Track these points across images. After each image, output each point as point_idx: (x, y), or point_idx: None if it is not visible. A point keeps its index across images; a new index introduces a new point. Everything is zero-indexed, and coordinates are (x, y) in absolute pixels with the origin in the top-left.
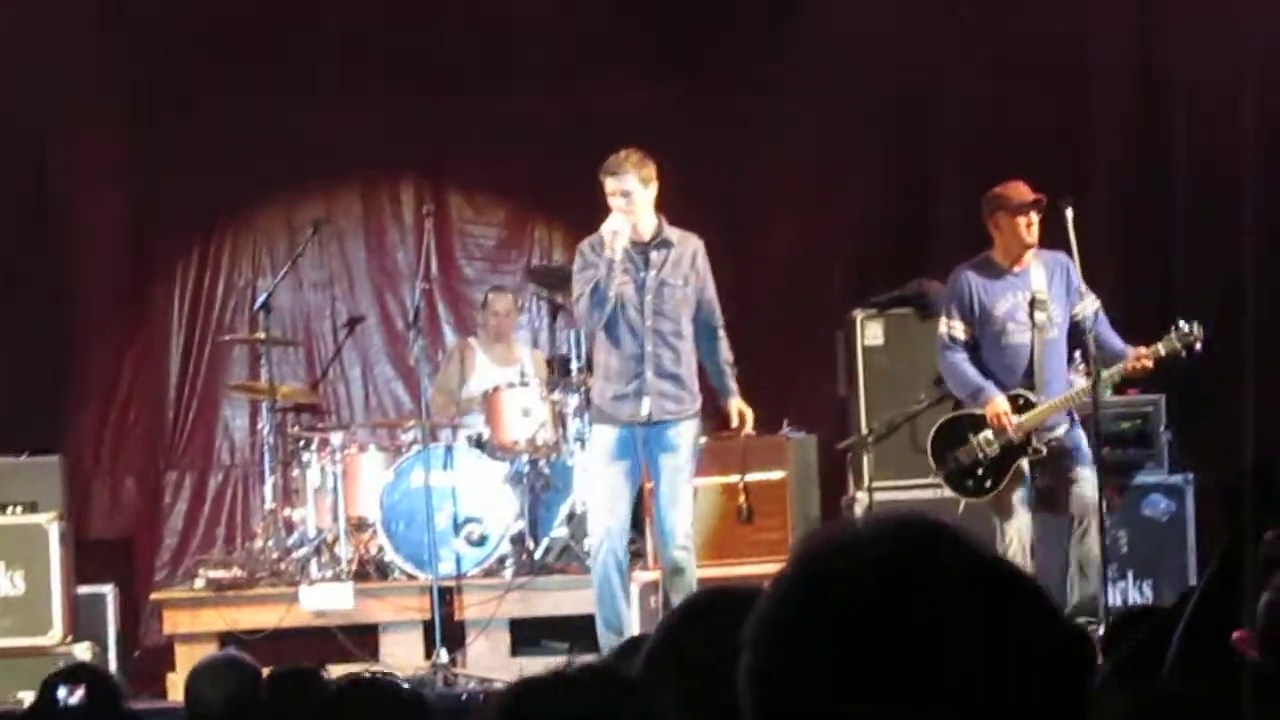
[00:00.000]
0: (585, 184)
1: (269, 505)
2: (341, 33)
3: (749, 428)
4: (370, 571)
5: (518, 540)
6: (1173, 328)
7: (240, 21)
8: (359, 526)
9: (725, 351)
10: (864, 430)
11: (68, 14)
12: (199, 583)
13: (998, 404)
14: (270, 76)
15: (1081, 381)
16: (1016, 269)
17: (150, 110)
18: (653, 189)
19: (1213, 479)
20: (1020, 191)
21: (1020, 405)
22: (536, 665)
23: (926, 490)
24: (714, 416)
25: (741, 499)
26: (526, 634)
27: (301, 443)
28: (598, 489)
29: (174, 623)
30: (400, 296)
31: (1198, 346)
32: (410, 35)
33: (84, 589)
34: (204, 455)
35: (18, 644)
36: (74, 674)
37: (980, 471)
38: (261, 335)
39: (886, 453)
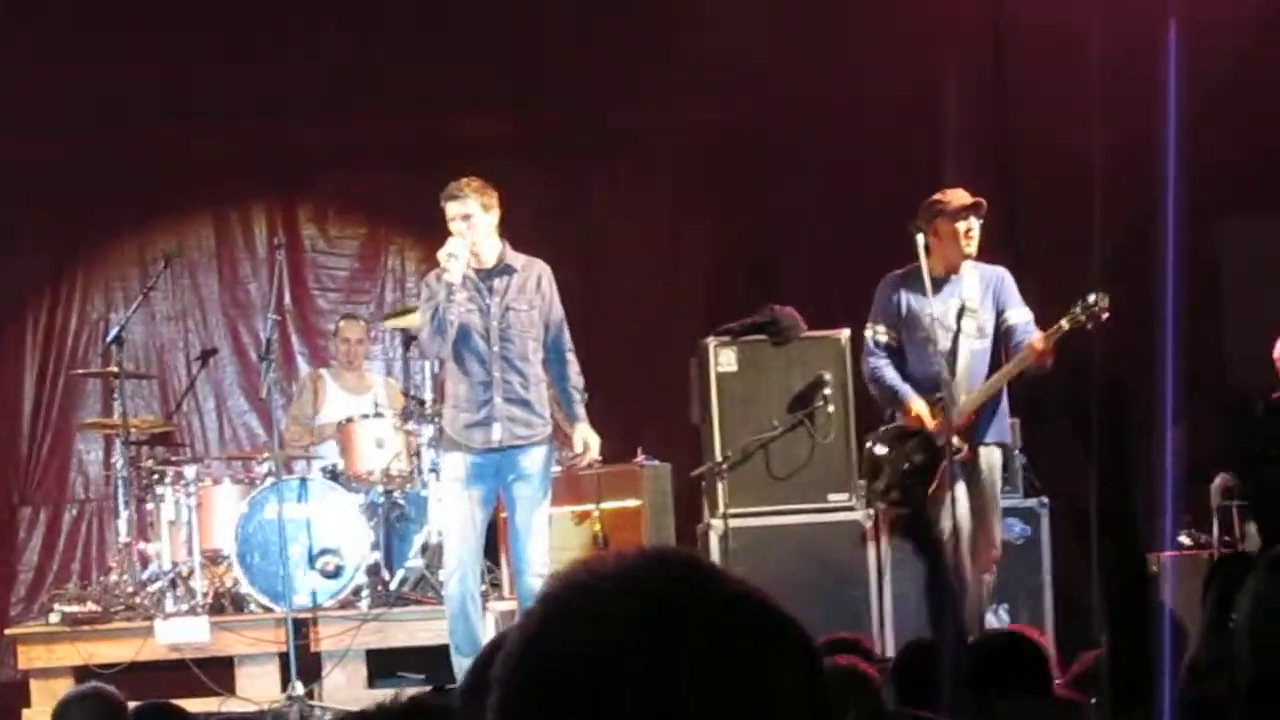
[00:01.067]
0: (438, 213)
1: (124, 539)
2: (191, 60)
3: (593, 456)
4: (226, 604)
5: (373, 571)
6: (1078, 300)
7: (88, 49)
8: (214, 559)
9: (574, 377)
10: (718, 457)
11: None
12: (54, 617)
13: (916, 405)
14: (121, 105)
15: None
16: (949, 275)
17: (7, 133)
18: (494, 215)
19: (1066, 503)
20: (959, 196)
21: (940, 408)
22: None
23: (782, 517)
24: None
25: (596, 527)
26: (383, 665)
27: (156, 476)
28: (451, 518)
29: (29, 658)
30: (253, 328)
31: (1103, 317)
32: (259, 62)
33: None
34: (58, 489)
35: None
36: None
37: (910, 481)
38: (114, 369)
39: (741, 479)
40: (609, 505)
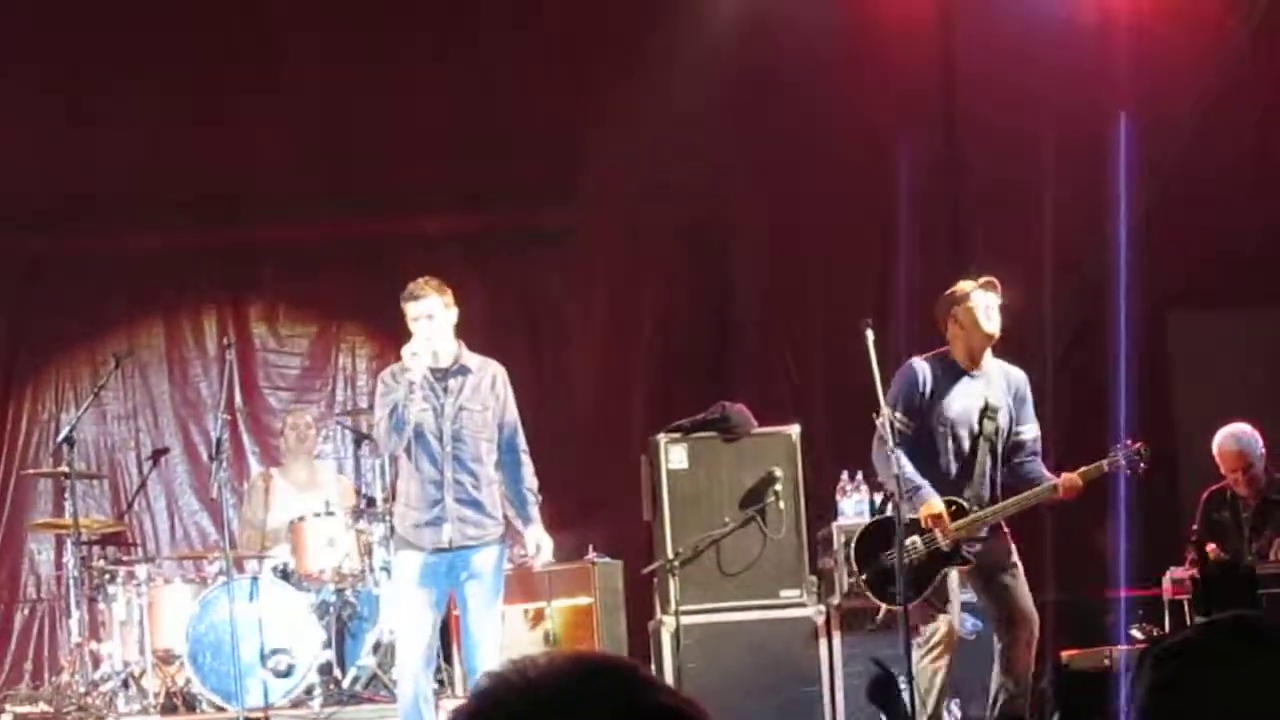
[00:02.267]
0: (388, 311)
1: (75, 639)
2: (140, 162)
3: (546, 558)
4: (178, 704)
5: (325, 670)
6: (1121, 447)
7: (40, 149)
8: (166, 659)
9: (529, 478)
10: (670, 554)
11: None
12: (6, 718)
13: (934, 505)
14: (71, 204)
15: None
16: (975, 371)
17: None
18: (453, 313)
19: None
20: (974, 284)
21: (954, 513)
22: None
23: (734, 613)
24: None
25: (548, 625)
26: None
27: (107, 576)
28: (403, 618)
29: None
30: (205, 427)
31: (1141, 468)
32: (207, 165)
33: None
34: (9, 589)
35: None
36: None
37: (907, 577)
38: (65, 469)
39: (693, 576)
40: (560, 603)
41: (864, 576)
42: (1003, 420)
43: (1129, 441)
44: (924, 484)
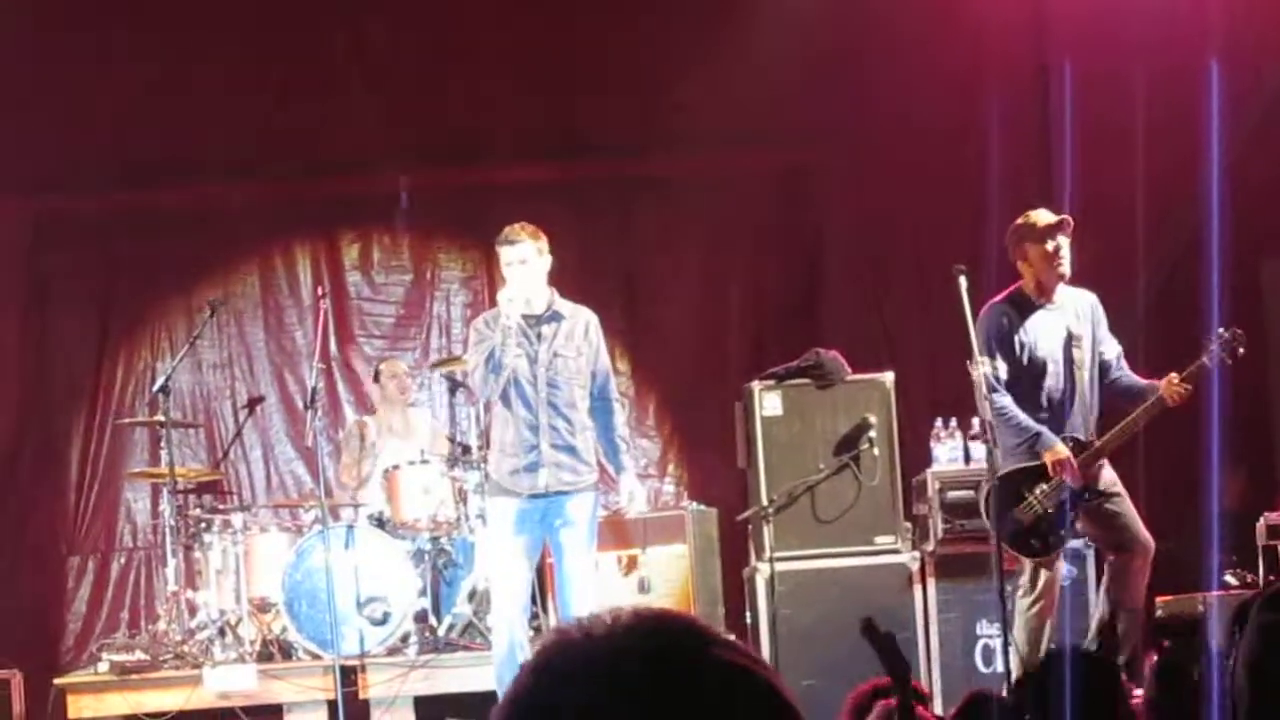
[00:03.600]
0: (481, 259)
1: (171, 588)
2: (234, 113)
3: (639, 506)
4: (273, 652)
5: (421, 618)
6: (1213, 336)
7: (134, 103)
8: (261, 607)
9: (619, 426)
10: (764, 501)
11: None
12: (103, 666)
13: (1059, 450)
14: (164, 158)
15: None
16: (1048, 304)
17: (49, 189)
18: (547, 260)
19: None
20: (1043, 216)
21: (1072, 449)
22: None
23: (828, 560)
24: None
25: (642, 572)
26: (431, 711)
27: (203, 524)
28: (497, 565)
29: (78, 707)
30: (299, 376)
31: (1240, 351)
32: (302, 114)
33: None
34: (106, 539)
35: None
36: None
37: (1043, 528)
38: (161, 418)
39: (787, 523)
40: (655, 550)
41: (1004, 536)
42: (1087, 346)
43: (1221, 331)
44: (1042, 429)
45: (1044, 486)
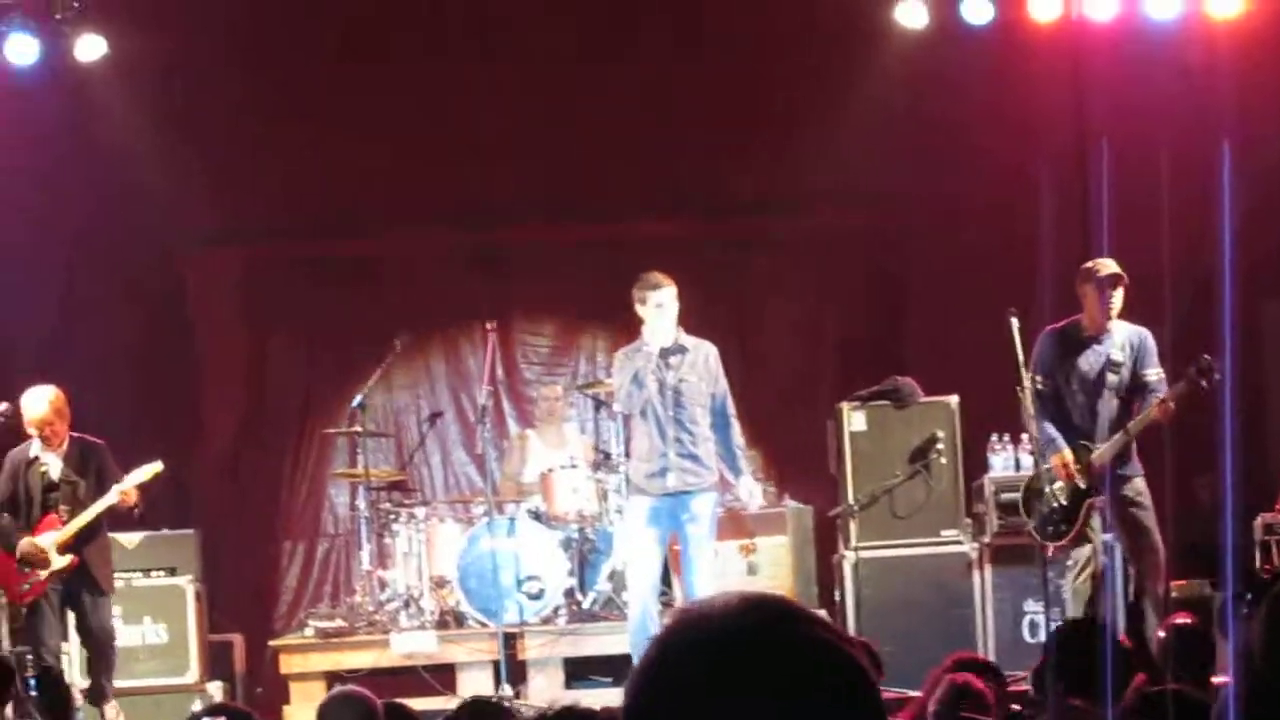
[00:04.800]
0: (620, 301)
1: (366, 567)
2: (417, 172)
3: (758, 503)
4: (449, 620)
5: (569, 594)
6: (1191, 365)
7: (335, 163)
8: (439, 584)
9: (737, 437)
10: (851, 501)
11: (185, 166)
12: (309, 631)
13: (1062, 455)
14: (360, 211)
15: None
16: (1099, 336)
17: (267, 237)
18: (677, 303)
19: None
20: (1105, 266)
21: (1082, 454)
22: (587, 696)
23: (903, 549)
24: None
25: (751, 558)
26: (578, 671)
27: (392, 516)
28: (634, 551)
29: (289, 665)
30: (472, 395)
31: (1215, 376)
32: (473, 175)
33: (215, 637)
34: (313, 527)
35: (162, 683)
36: (217, 710)
37: (1057, 518)
38: (359, 429)
39: (869, 519)
40: (761, 540)
41: (1033, 524)
42: (1125, 373)
43: (1198, 361)
44: (1056, 436)
45: (1060, 484)
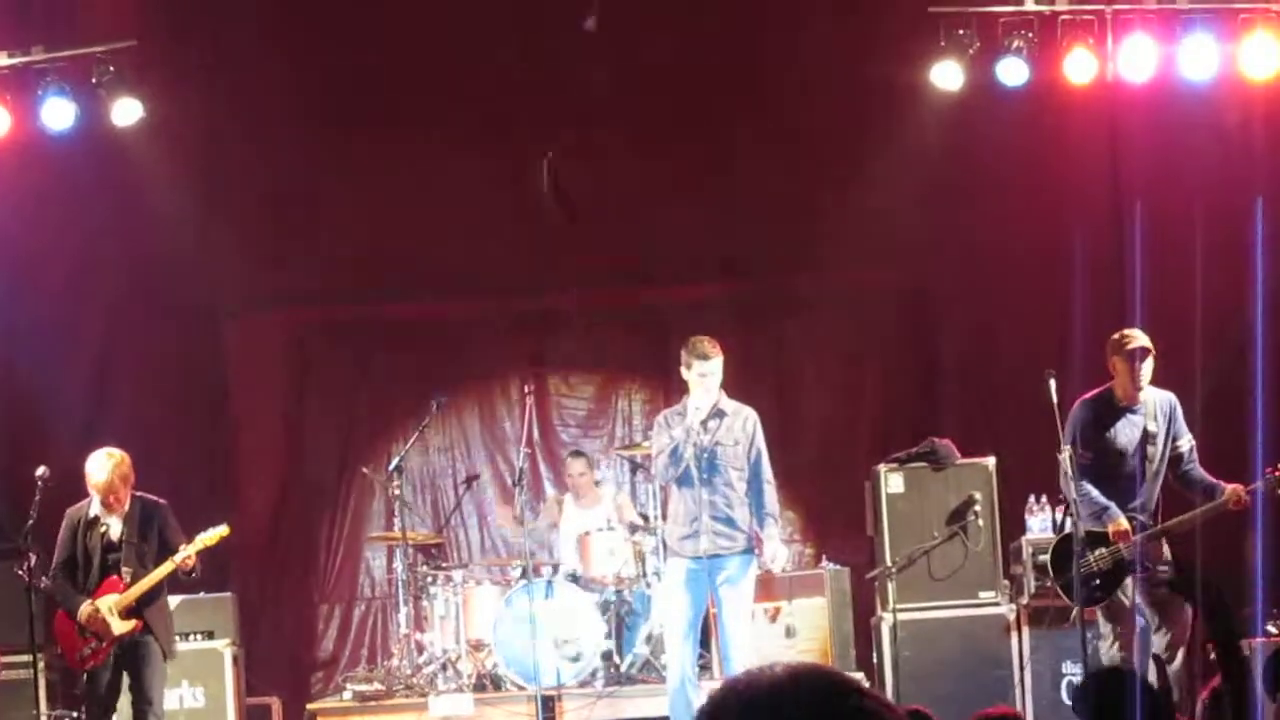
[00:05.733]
0: (656, 364)
1: (403, 630)
2: (451, 241)
3: (780, 566)
4: (486, 683)
5: (607, 656)
6: (1266, 474)
7: (375, 235)
8: (477, 646)
9: (769, 504)
10: (889, 562)
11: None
12: (347, 694)
13: (1122, 523)
14: (398, 279)
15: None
16: (1132, 405)
17: (305, 303)
18: (721, 374)
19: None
20: (1135, 339)
21: (1135, 527)
22: None
23: (941, 611)
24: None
25: (789, 620)
26: None
27: (429, 579)
28: (671, 614)
29: None
30: (509, 458)
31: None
32: (508, 241)
33: (253, 701)
34: (349, 590)
35: None
36: None
37: (1095, 581)
38: (395, 492)
39: (907, 581)
40: (799, 602)
41: (1060, 583)
42: (1160, 443)
43: (1268, 470)
44: (1110, 505)
45: (1103, 550)
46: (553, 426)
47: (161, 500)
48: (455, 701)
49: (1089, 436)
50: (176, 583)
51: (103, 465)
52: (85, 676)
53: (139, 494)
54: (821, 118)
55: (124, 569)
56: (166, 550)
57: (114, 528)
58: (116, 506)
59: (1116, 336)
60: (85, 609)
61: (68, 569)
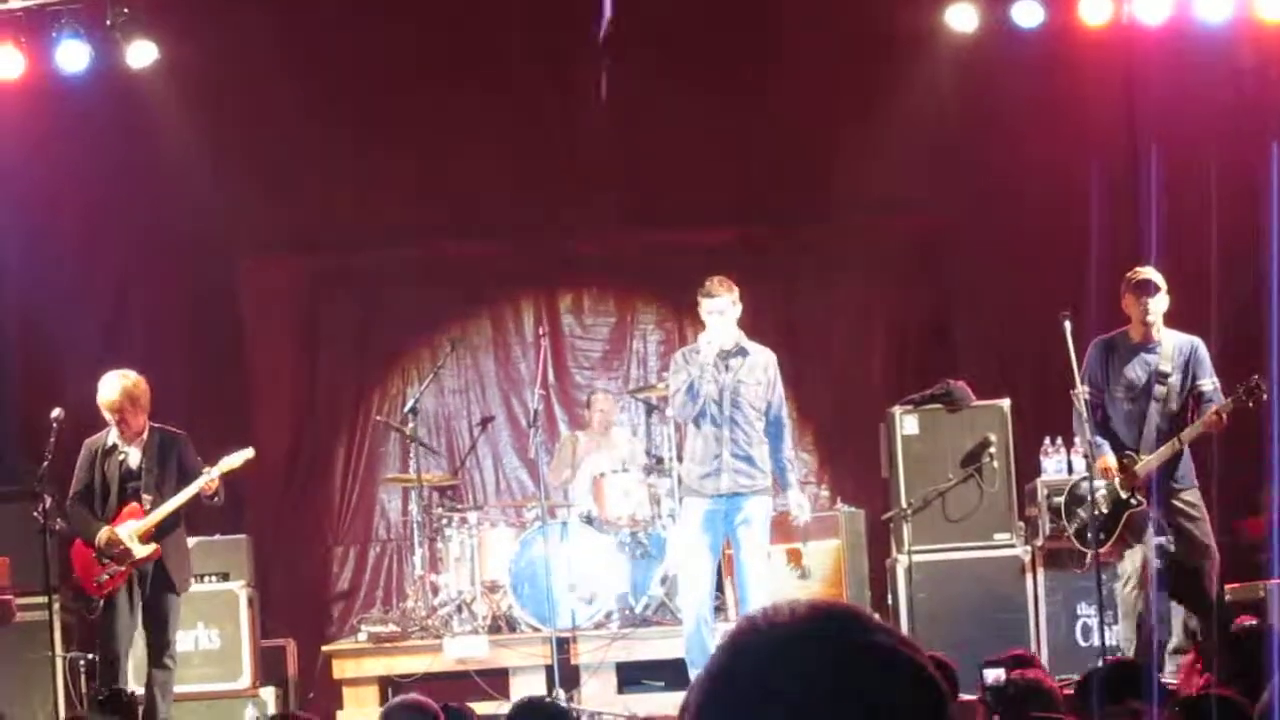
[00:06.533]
0: (671, 306)
1: (418, 572)
2: (470, 184)
3: (805, 518)
4: (501, 625)
5: (621, 598)
6: (1241, 383)
7: (390, 176)
8: (492, 588)
9: (788, 449)
10: (904, 504)
11: (238, 173)
12: (361, 636)
13: (1106, 459)
14: (414, 221)
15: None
16: (1148, 344)
17: (319, 246)
18: (738, 308)
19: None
20: (1139, 274)
21: (1127, 463)
22: (639, 701)
23: (955, 553)
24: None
25: (804, 562)
26: (630, 675)
27: (444, 520)
28: (687, 555)
29: (341, 670)
30: (523, 399)
31: (1264, 397)
32: (524, 186)
33: (268, 643)
34: (364, 532)
35: (215, 689)
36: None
37: (1098, 525)
38: (410, 429)
39: (922, 522)
40: (814, 544)
41: (1073, 529)
42: (1175, 382)
43: (1249, 380)
44: (1103, 443)
45: (1102, 492)
46: (568, 368)
47: (180, 431)
48: (470, 643)
49: (1097, 374)
50: (195, 521)
51: (112, 384)
52: (102, 605)
53: (157, 425)
54: (835, 60)
55: (145, 496)
56: (186, 480)
57: (132, 456)
58: (128, 430)
59: (1128, 274)
60: (104, 533)
61: (85, 497)
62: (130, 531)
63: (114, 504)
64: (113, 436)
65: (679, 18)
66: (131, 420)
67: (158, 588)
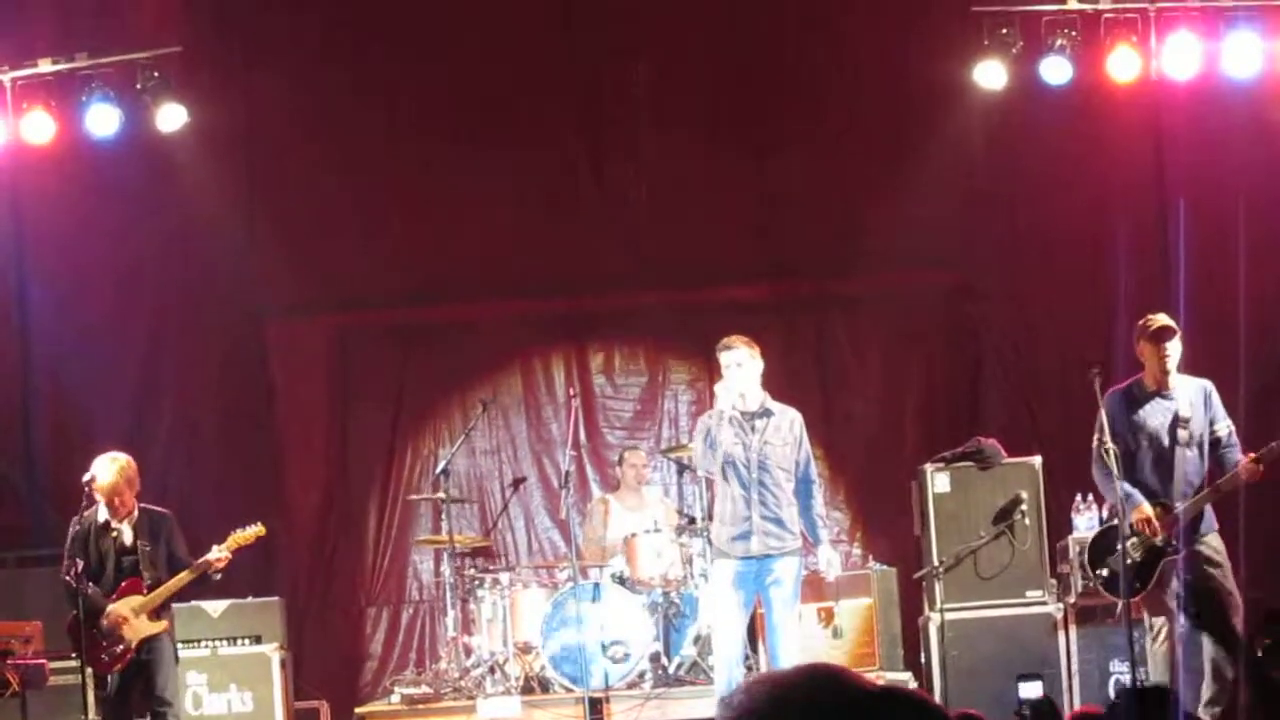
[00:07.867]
0: (703, 365)
1: (451, 633)
2: (500, 243)
3: (836, 573)
4: (534, 686)
5: (654, 658)
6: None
7: (422, 236)
8: (524, 649)
9: (818, 505)
10: (935, 562)
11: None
12: (395, 698)
13: (1144, 509)
14: (446, 281)
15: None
16: (1163, 390)
17: (349, 305)
18: (759, 364)
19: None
20: (1156, 320)
21: (1161, 512)
22: None
23: (988, 610)
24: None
25: (836, 621)
26: None
27: (476, 581)
28: (719, 615)
29: None
30: (555, 460)
31: None
32: (556, 244)
33: (301, 705)
34: (397, 593)
35: None
36: None
37: (1131, 575)
38: (442, 495)
39: (954, 580)
40: (846, 603)
41: (1103, 577)
42: (1195, 427)
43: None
44: (1134, 492)
45: (1134, 540)
46: (599, 428)
47: (166, 511)
48: (503, 704)
49: (1119, 425)
50: (226, 584)
51: (107, 468)
52: (113, 681)
53: (144, 505)
54: (865, 118)
55: (144, 572)
56: (174, 561)
57: (125, 533)
58: (122, 511)
59: (1140, 322)
60: (110, 612)
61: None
62: (134, 607)
63: (111, 580)
64: (103, 514)
65: (710, 76)
66: (125, 500)
67: (159, 659)
